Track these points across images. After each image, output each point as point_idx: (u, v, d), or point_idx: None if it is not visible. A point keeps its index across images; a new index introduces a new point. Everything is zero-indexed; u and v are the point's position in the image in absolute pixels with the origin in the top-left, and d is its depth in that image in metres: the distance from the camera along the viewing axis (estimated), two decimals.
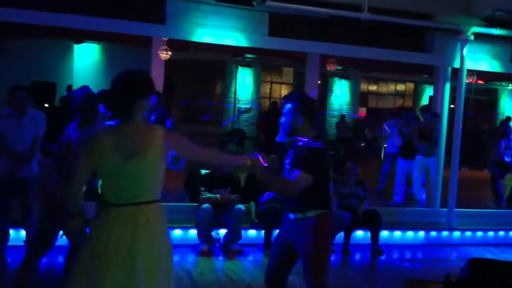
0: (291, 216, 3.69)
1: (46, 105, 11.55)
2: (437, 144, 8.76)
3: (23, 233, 5.95)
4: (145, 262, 2.84)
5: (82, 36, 12.42)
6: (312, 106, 3.82)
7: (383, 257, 6.96)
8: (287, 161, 3.72)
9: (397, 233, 7.71)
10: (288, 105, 3.73)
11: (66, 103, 6.88)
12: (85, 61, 14.67)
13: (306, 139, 3.65)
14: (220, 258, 6.45)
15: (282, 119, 3.77)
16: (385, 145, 11.50)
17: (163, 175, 2.99)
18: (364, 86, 20.80)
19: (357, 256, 7.01)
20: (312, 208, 3.60)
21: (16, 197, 5.76)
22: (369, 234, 7.15)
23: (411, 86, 21.12)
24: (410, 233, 7.78)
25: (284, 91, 19.48)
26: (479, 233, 8.05)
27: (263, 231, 6.76)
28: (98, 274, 2.81)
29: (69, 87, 14.16)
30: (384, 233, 7.44)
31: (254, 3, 8.24)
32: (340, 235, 6.93)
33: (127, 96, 2.92)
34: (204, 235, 6.57)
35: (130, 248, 2.83)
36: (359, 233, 7.32)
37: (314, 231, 3.56)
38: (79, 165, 2.96)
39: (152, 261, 2.88)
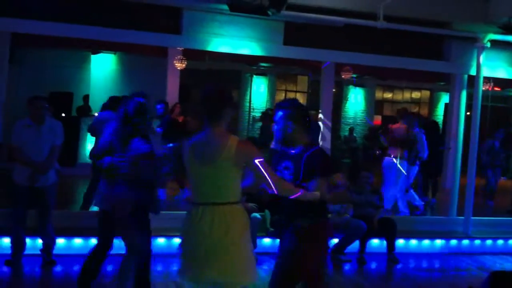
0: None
1: (63, 114, 11.69)
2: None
3: (39, 241, 6.01)
4: (217, 258, 3.28)
5: (99, 47, 12.56)
6: (305, 113, 3.91)
7: (399, 266, 6.92)
8: (283, 168, 3.78)
9: (413, 242, 7.66)
10: (280, 113, 3.79)
11: (111, 108, 7.02)
12: (102, 71, 14.81)
13: (300, 148, 3.73)
14: None
15: (275, 127, 3.84)
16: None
17: (239, 180, 3.39)
18: (379, 94, 20.74)
19: (373, 265, 6.98)
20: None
21: (34, 206, 5.83)
22: (384, 242, 7.12)
23: (426, 93, 21.02)
24: (426, 242, 7.72)
25: (299, 99, 19.49)
26: (497, 242, 7.96)
27: (278, 239, 6.75)
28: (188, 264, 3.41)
29: (86, 97, 14.29)
30: (400, 242, 7.40)
31: (269, 12, 8.27)
32: (356, 244, 6.91)
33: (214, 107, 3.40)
34: None
35: (206, 241, 3.28)
36: (375, 241, 7.29)
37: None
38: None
39: (224, 258, 3.29)
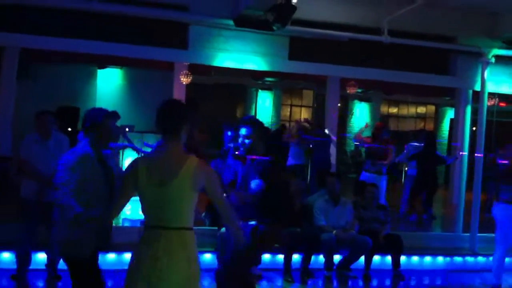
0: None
1: (69, 129, 11.74)
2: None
3: (44, 256, 5.99)
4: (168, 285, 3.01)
5: (105, 61, 12.64)
6: (263, 128, 4.72)
7: (404, 283, 6.88)
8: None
9: (417, 259, 7.60)
10: (243, 129, 4.49)
11: None
12: (108, 86, 14.89)
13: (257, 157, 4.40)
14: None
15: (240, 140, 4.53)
16: (406, 168, 11.43)
17: (193, 205, 3.14)
18: (384, 109, 20.74)
19: (378, 282, 6.94)
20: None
21: (41, 221, 5.83)
22: (390, 259, 7.08)
23: (432, 108, 20.99)
24: (431, 259, 7.66)
25: (304, 114, 19.51)
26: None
27: (283, 255, 6.74)
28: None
29: None
30: (402, 259, 7.33)
31: (274, 27, 8.32)
32: (361, 260, 6.88)
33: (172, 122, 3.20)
34: (223, 259, 6.54)
35: (154, 268, 3.01)
36: (377, 258, 7.24)
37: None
38: (120, 188, 3.29)
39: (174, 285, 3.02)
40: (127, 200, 3.26)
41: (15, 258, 5.85)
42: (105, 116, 3.86)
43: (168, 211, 3.08)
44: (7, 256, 6.17)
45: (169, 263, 3.01)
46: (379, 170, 8.74)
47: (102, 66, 14.45)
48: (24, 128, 7.52)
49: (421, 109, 21.11)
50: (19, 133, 8.35)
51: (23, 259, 5.81)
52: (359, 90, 15.63)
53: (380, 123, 10.68)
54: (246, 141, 4.49)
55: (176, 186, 3.06)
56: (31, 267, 5.91)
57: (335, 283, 6.66)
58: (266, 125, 18.96)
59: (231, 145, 4.80)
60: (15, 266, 5.83)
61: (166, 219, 3.07)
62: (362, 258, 6.87)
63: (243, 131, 4.50)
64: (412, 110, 21.03)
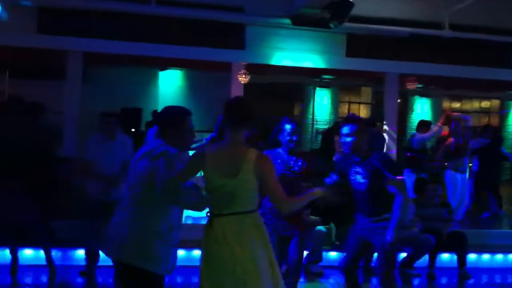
0: (369, 218, 4.48)
1: (133, 130, 12.06)
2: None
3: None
4: (243, 266, 3.22)
5: (167, 63, 12.91)
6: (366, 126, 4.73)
7: (470, 281, 6.71)
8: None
9: (486, 256, 7.40)
10: (346, 127, 4.51)
11: None
12: (169, 87, 15.20)
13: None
14: (301, 280, 6.43)
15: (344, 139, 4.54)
16: (470, 164, 11.10)
17: (256, 192, 3.37)
18: (446, 104, 20.21)
19: (443, 280, 6.79)
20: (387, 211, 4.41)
21: (106, 219, 6.02)
22: (455, 257, 6.92)
23: (496, 103, 20.30)
24: (499, 256, 7.44)
25: (363, 111, 19.29)
26: None
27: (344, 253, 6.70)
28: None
29: (154, 112, 14.70)
30: (472, 256, 7.17)
31: (331, 25, 8.29)
32: (425, 259, 6.76)
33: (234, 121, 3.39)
34: (282, 257, 6.58)
35: (231, 252, 3.24)
36: (445, 256, 7.10)
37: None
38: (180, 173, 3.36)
39: (250, 265, 3.23)
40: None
41: (84, 255, 6.08)
42: (186, 114, 3.62)
43: (235, 200, 3.30)
44: (76, 253, 6.41)
45: (243, 246, 3.24)
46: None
47: (163, 68, 14.77)
48: (89, 130, 7.80)
49: (485, 104, 20.45)
50: (84, 135, 8.69)
51: (91, 255, 6.02)
52: (419, 86, 15.31)
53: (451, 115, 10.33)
54: (348, 139, 4.47)
55: (242, 179, 3.28)
56: (99, 263, 6.12)
57: (398, 281, 6.57)
58: (326, 123, 18.89)
59: (288, 138, 4.77)
60: (84, 263, 6.06)
61: (235, 207, 3.30)
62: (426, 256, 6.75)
63: (345, 129, 4.50)
64: (475, 104, 20.41)
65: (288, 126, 4.78)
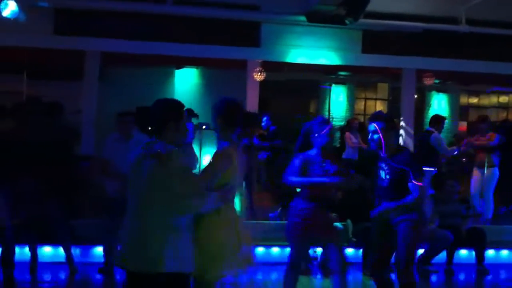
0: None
1: (149, 128, 12.11)
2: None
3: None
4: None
5: (182, 62, 12.97)
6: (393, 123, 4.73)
7: (489, 278, 6.66)
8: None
9: (505, 252, 7.34)
10: (372, 124, 4.52)
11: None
12: (185, 85, 15.24)
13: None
14: (318, 276, 6.45)
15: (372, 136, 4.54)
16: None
17: None
18: (463, 99, 20.04)
19: (461, 276, 6.75)
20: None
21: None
22: (473, 253, 6.88)
23: None
24: None
25: (379, 107, 19.19)
26: None
27: (361, 249, 6.69)
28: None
29: None
30: (490, 253, 7.11)
31: (347, 21, 8.27)
32: (443, 255, 6.72)
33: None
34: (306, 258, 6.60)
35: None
36: (464, 252, 7.05)
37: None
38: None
39: None
40: None
41: (103, 252, 6.15)
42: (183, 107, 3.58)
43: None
44: (95, 250, 6.49)
45: None
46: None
47: (179, 67, 14.82)
48: (106, 129, 7.86)
49: (503, 99, 20.22)
50: (101, 135, 8.77)
51: (109, 253, 6.08)
52: (436, 81, 15.20)
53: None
54: (375, 136, 4.49)
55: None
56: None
57: (416, 278, 6.53)
58: (342, 119, 18.83)
59: (325, 140, 4.51)
60: (102, 260, 6.13)
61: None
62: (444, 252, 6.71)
63: (371, 126, 4.53)
64: (493, 100, 20.19)
65: (323, 127, 4.55)
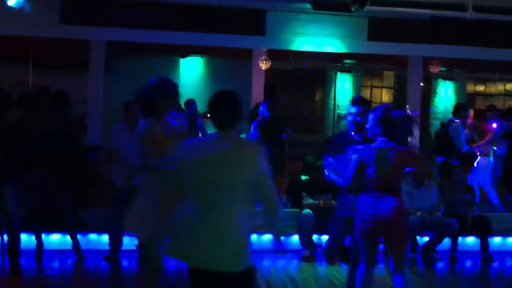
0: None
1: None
2: None
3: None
4: None
5: (187, 51, 12.96)
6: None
7: (494, 265, 6.67)
8: None
9: (510, 240, 7.34)
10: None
11: None
12: (191, 74, 15.24)
13: None
14: (323, 264, 6.49)
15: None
16: (495, 147, 10.95)
17: None
18: (470, 87, 19.93)
19: (466, 264, 6.77)
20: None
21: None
22: (478, 240, 6.89)
23: None
24: None
25: (385, 95, 19.14)
26: None
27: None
28: None
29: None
30: (496, 240, 7.12)
31: (352, 9, 8.22)
32: (447, 242, 6.74)
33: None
34: (306, 241, 6.65)
35: None
36: (469, 239, 7.06)
37: None
38: None
39: None
40: None
41: (108, 240, 6.20)
42: None
43: None
44: (101, 238, 6.54)
45: None
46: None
47: (184, 56, 14.81)
48: (112, 119, 7.89)
49: (510, 86, 20.11)
50: (107, 125, 8.80)
51: (115, 241, 6.14)
52: (443, 69, 15.13)
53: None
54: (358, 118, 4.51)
55: None
56: (122, 248, 6.24)
57: (420, 265, 6.57)
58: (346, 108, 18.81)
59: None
60: (108, 248, 6.18)
61: None
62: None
63: (355, 109, 4.56)
64: (500, 87, 20.08)
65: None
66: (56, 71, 11.27)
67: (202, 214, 3.00)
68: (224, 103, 3.16)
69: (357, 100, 4.69)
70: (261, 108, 8.99)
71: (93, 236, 6.61)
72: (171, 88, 4.08)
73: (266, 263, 6.40)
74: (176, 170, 3.14)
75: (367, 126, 4.22)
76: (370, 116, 4.20)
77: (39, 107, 6.00)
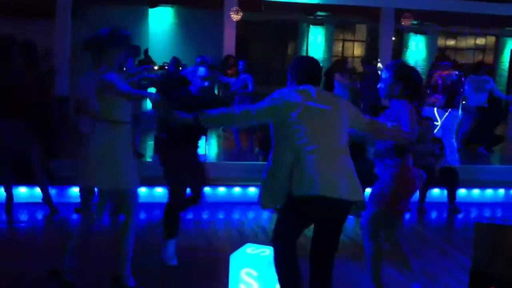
0: None
1: (124, 68, 11.91)
2: None
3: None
4: None
5: (157, 0, 12.67)
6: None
7: (460, 216, 6.85)
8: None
9: (476, 191, 7.53)
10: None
11: None
12: (160, 25, 14.94)
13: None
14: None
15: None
16: (464, 102, 11.11)
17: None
18: (441, 41, 20.06)
19: (433, 215, 6.93)
20: None
21: None
22: (445, 192, 7.04)
23: (492, 39, 20.16)
24: (489, 191, 7.57)
25: (357, 49, 19.13)
26: None
27: None
28: None
29: (146, 51, 14.51)
30: (462, 191, 7.29)
31: None
32: (416, 194, 6.85)
33: None
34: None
35: None
36: (436, 191, 7.21)
37: None
38: None
39: None
40: None
41: (79, 193, 6.14)
42: None
43: None
44: (71, 190, 6.48)
45: None
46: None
47: (153, 5, 14.48)
48: (80, 69, 7.68)
49: (481, 41, 20.30)
50: (74, 74, 8.60)
51: (86, 193, 6.07)
52: (415, 22, 15.13)
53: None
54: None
55: None
56: (95, 200, 6.18)
57: None
58: (320, 61, 18.75)
59: None
60: (79, 200, 6.13)
61: None
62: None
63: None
64: (470, 42, 20.25)
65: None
66: (21, 20, 10.90)
67: (324, 155, 3.29)
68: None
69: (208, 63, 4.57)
70: (240, 67, 8.91)
71: (64, 189, 6.53)
72: (121, 39, 3.98)
73: (237, 214, 6.45)
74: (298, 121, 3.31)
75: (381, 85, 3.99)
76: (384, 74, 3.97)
77: (7, 57, 5.80)
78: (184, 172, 4.60)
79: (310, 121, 3.28)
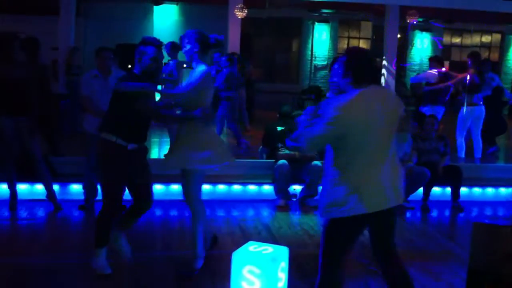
0: None
1: (129, 66, 11.93)
2: None
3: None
4: None
5: None
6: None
7: (463, 214, 6.83)
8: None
9: (478, 190, 7.50)
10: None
11: None
12: (165, 22, 14.95)
13: None
14: (297, 213, 6.57)
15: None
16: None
17: None
18: (447, 39, 19.98)
19: (437, 213, 6.91)
20: None
21: None
22: (449, 190, 7.02)
23: (497, 37, 20.06)
24: (491, 190, 7.54)
25: (362, 46, 19.05)
26: None
27: None
28: None
29: None
30: (464, 190, 7.26)
31: None
32: (419, 191, 6.85)
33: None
34: (281, 191, 6.70)
35: None
36: (438, 189, 7.19)
37: None
38: None
39: None
40: None
41: (83, 190, 6.16)
42: None
43: None
44: (75, 187, 6.50)
45: None
46: None
47: (158, 3, 14.48)
48: (85, 66, 7.72)
49: (486, 38, 20.20)
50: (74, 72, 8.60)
51: (90, 190, 6.11)
52: (420, 19, 15.07)
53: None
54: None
55: None
56: (98, 197, 6.20)
57: None
58: (324, 58, 18.69)
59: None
60: (83, 197, 6.15)
61: None
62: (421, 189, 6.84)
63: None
64: (476, 39, 20.16)
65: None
66: (25, 16, 10.94)
67: (373, 164, 3.34)
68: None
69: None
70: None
71: (67, 185, 6.55)
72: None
73: (240, 212, 6.45)
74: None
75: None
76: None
77: (9, 53, 5.81)
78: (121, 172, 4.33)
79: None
